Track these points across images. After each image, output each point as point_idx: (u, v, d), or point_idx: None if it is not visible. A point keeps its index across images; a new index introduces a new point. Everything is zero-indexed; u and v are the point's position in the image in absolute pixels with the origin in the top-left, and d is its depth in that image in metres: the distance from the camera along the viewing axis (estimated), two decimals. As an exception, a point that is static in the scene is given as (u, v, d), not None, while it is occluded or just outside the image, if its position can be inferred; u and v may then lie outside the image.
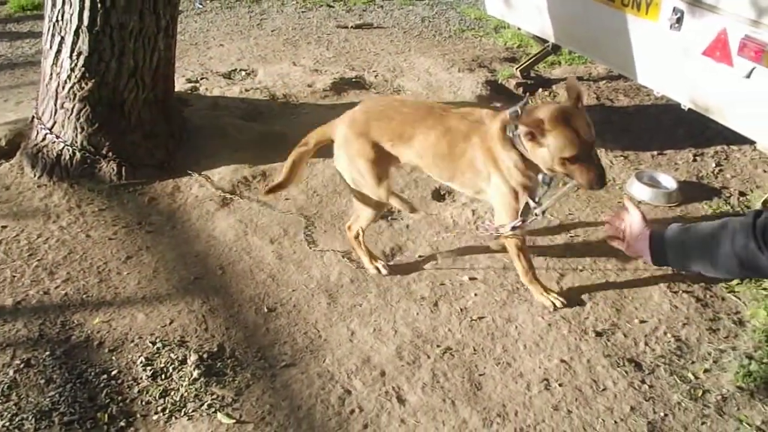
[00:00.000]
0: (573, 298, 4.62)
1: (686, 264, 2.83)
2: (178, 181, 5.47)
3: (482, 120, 4.20)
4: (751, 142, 5.92)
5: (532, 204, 4.16)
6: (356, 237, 4.71)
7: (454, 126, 4.22)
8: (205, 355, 3.98)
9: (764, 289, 4.74)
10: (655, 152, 6.53)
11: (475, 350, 4.17)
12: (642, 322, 4.47)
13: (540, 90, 7.75)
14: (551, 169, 3.91)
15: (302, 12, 9.86)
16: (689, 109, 5.80)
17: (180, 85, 6.87)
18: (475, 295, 4.61)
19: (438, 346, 4.18)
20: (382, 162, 4.38)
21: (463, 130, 4.20)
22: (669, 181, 5.86)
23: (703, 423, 3.78)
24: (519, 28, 7.98)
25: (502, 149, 4.05)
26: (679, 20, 5.48)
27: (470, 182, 4.35)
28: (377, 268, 4.73)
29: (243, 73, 7.63)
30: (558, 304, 4.47)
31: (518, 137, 3.91)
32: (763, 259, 2.50)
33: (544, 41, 7.59)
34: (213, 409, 3.66)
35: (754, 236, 2.52)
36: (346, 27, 9.36)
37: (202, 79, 7.32)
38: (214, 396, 3.74)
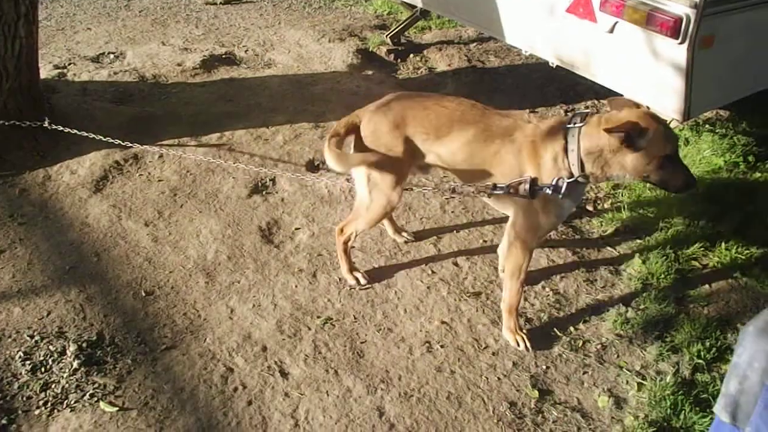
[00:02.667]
0: (450, 258, 4.72)
1: None
2: (48, 170, 5.36)
3: (525, 119, 3.86)
4: (620, 96, 6.07)
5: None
6: (346, 241, 4.40)
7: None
8: (84, 345, 3.94)
9: (639, 238, 4.90)
10: (527, 110, 6.65)
11: (355, 318, 4.24)
12: (520, 278, 4.59)
13: (411, 56, 7.80)
14: (638, 175, 3.59)
15: (170, -10, 9.70)
16: (557, 67, 5.91)
17: (47, 71, 6.73)
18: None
19: (318, 317, 4.23)
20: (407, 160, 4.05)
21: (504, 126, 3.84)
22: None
23: (584, 372, 3.94)
24: (387, -5, 8.04)
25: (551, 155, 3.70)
26: (543, -21, 5.57)
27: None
28: (356, 279, 4.50)
29: (111, 56, 7.48)
30: (526, 345, 4.10)
31: (574, 149, 3.60)
32: None
33: (413, 7, 7.64)
34: (95, 399, 3.65)
35: None
36: (215, 3, 9.23)
37: (69, 64, 7.16)
38: (96, 385, 3.72)
